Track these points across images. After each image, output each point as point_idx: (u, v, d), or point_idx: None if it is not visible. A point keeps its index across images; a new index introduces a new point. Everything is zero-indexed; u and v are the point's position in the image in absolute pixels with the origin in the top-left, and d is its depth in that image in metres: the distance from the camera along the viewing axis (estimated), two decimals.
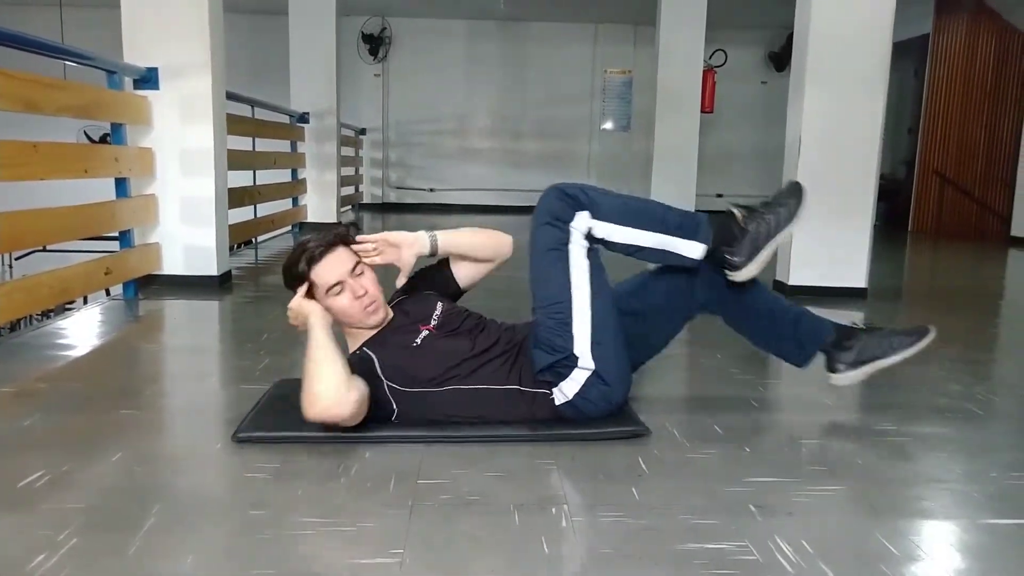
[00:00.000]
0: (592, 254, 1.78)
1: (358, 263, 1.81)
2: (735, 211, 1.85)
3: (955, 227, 8.29)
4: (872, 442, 1.85)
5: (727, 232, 1.82)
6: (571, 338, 1.74)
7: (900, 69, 8.48)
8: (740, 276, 1.83)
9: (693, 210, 1.91)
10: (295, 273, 1.79)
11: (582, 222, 1.74)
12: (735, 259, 1.82)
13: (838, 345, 1.96)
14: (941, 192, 8.36)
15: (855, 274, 3.87)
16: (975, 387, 2.26)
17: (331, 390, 1.59)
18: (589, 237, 1.76)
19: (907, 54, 8.42)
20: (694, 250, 1.81)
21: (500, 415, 1.76)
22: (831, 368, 1.96)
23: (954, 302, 4.20)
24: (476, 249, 1.97)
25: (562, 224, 1.74)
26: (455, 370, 1.76)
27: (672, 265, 1.86)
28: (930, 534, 1.38)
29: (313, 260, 1.77)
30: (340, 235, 1.83)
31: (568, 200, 1.75)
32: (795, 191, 1.87)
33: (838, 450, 1.81)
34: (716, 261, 1.84)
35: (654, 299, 1.93)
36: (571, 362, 1.75)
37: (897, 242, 7.57)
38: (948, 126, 8.29)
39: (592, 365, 1.74)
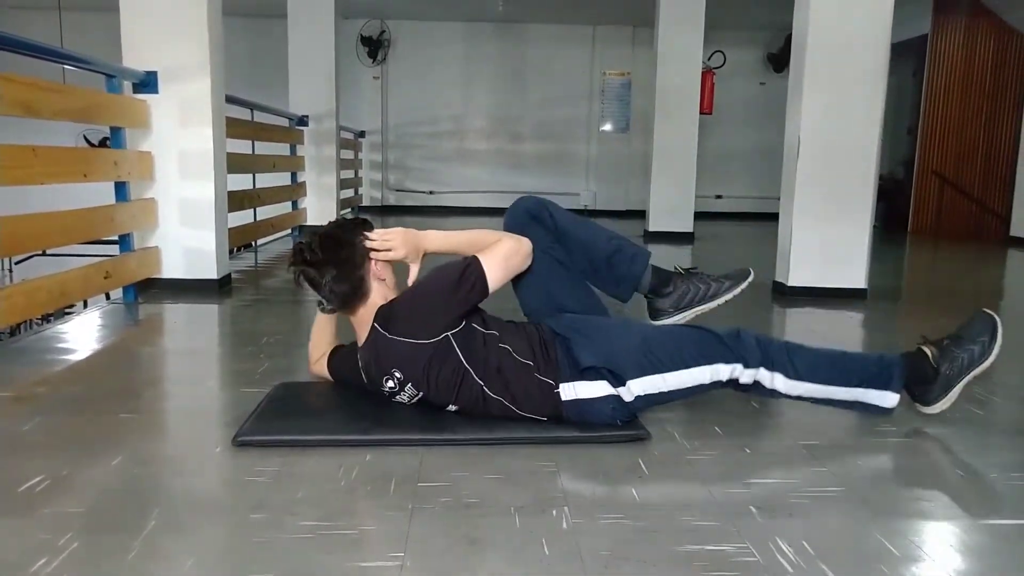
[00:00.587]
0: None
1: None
2: (925, 350, 1.86)
3: (954, 227, 8.29)
4: (871, 442, 1.85)
5: (919, 372, 1.85)
6: (641, 379, 1.74)
7: (899, 70, 8.48)
8: (930, 411, 1.89)
9: (879, 355, 1.90)
10: (357, 223, 1.91)
11: (764, 377, 1.77)
12: (927, 397, 1.87)
13: (657, 291, 2.06)
14: (940, 192, 8.37)
15: (855, 275, 3.88)
16: (974, 387, 2.26)
17: (512, 238, 1.85)
18: (757, 385, 1.79)
19: (906, 55, 8.43)
20: (888, 400, 1.83)
21: (517, 386, 1.76)
22: (653, 316, 2.06)
23: (954, 302, 4.20)
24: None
25: (738, 367, 1.76)
26: (495, 327, 1.83)
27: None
28: (930, 534, 1.38)
29: (368, 224, 1.92)
30: (367, 222, 1.93)
31: (758, 355, 1.76)
32: (989, 326, 1.87)
33: (838, 451, 1.81)
34: (905, 389, 1.88)
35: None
36: (614, 381, 1.75)
37: (897, 243, 7.58)
38: (947, 127, 8.30)
39: (627, 399, 1.76)
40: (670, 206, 7.03)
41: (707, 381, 1.77)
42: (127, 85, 3.55)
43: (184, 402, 2.14)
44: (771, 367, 1.77)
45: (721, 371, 1.76)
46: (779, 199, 4.09)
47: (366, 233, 1.87)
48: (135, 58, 3.57)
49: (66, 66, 3.87)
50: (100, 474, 1.56)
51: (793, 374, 1.78)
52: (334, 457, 1.63)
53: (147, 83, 3.56)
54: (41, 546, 1.24)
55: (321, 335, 2.10)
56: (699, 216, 7.28)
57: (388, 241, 1.86)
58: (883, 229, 8.37)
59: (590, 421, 1.78)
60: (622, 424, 1.79)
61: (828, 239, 3.86)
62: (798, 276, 3.89)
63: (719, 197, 10.20)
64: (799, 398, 1.82)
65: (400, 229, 1.89)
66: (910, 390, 1.89)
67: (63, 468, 1.56)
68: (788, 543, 1.30)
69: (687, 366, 1.75)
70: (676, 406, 2.05)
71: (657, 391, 1.76)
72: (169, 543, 1.27)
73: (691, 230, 7.03)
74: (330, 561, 1.22)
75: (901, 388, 1.84)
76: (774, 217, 4.15)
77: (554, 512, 1.40)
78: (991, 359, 1.85)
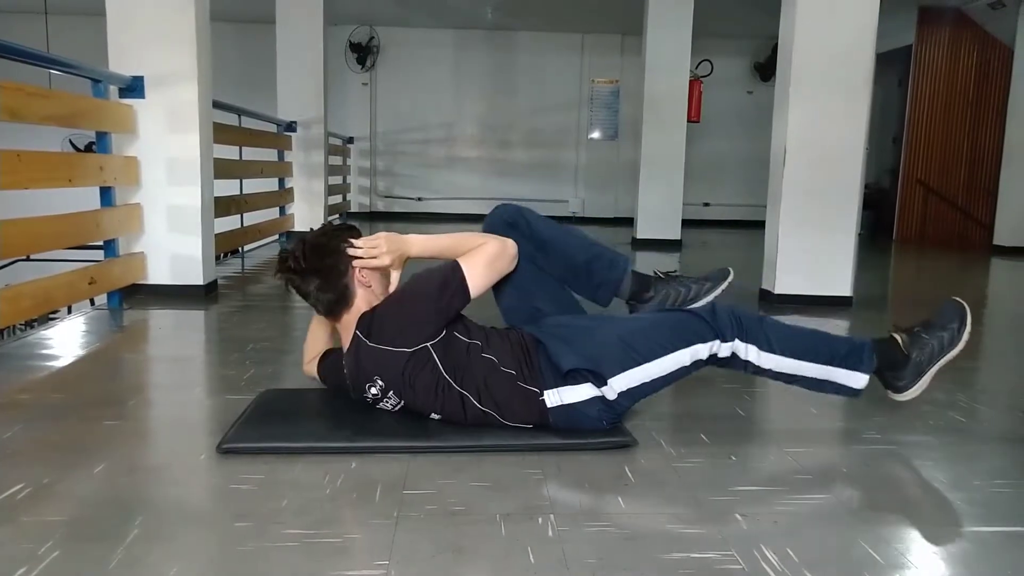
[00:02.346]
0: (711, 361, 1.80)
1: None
2: (896, 337, 1.88)
3: (939, 236, 8.37)
4: (856, 450, 1.86)
5: (890, 358, 1.86)
6: (622, 375, 1.74)
7: (884, 80, 8.58)
8: (901, 398, 1.89)
9: (849, 336, 1.92)
10: (344, 229, 1.90)
11: (739, 349, 1.77)
12: (898, 384, 1.87)
13: (638, 297, 2.07)
14: (925, 201, 8.45)
15: (840, 283, 3.90)
16: (958, 395, 2.28)
17: (496, 240, 1.85)
18: (734, 357, 1.79)
19: (891, 65, 8.52)
20: (857, 381, 1.83)
21: (501, 395, 1.76)
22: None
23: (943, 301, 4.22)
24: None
25: (715, 343, 1.76)
26: (479, 337, 1.82)
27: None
28: (915, 542, 1.39)
29: (353, 229, 1.91)
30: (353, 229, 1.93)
31: (734, 327, 1.76)
32: (958, 313, 1.88)
33: (823, 459, 1.82)
34: (877, 376, 1.89)
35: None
36: (596, 381, 1.75)
37: (882, 251, 7.64)
38: (931, 136, 8.39)
39: (611, 397, 1.76)
40: (658, 213, 7.06)
41: (688, 363, 1.76)
42: (113, 90, 3.54)
43: (169, 409, 2.13)
44: (745, 338, 1.77)
45: (700, 350, 1.76)
46: (765, 207, 4.11)
47: (351, 240, 1.86)
48: (122, 63, 3.55)
49: (52, 71, 3.85)
50: (82, 482, 1.54)
51: (767, 346, 1.78)
52: (320, 464, 1.62)
53: (133, 88, 3.54)
54: (22, 555, 1.23)
55: (316, 336, 2.10)
56: (687, 224, 7.32)
57: (373, 248, 1.85)
58: (868, 237, 8.44)
59: (577, 426, 1.78)
60: (609, 427, 1.79)
61: (814, 247, 3.88)
62: (784, 284, 3.91)
63: (707, 205, 10.25)
64: (771, 373, 1.81)
65: (384, 234, 1.89)
66: (882, 377, 1.89)
67: (45, 476, 1.55)
68: (773, 551, 1.30)
69: (666, 353, 1.75)
70: (663, 413, 2.06)
71: (639, 383, 1.75)
72: (152, 552, 1.26)
73: (679, 237, 7.07)
74: (315, 569, 1.22)
75: (871, 370, 1.83)
76: (761, 225, 4.17)
77: (540, 520, 1.40)
78: (961, 345, 1.85)
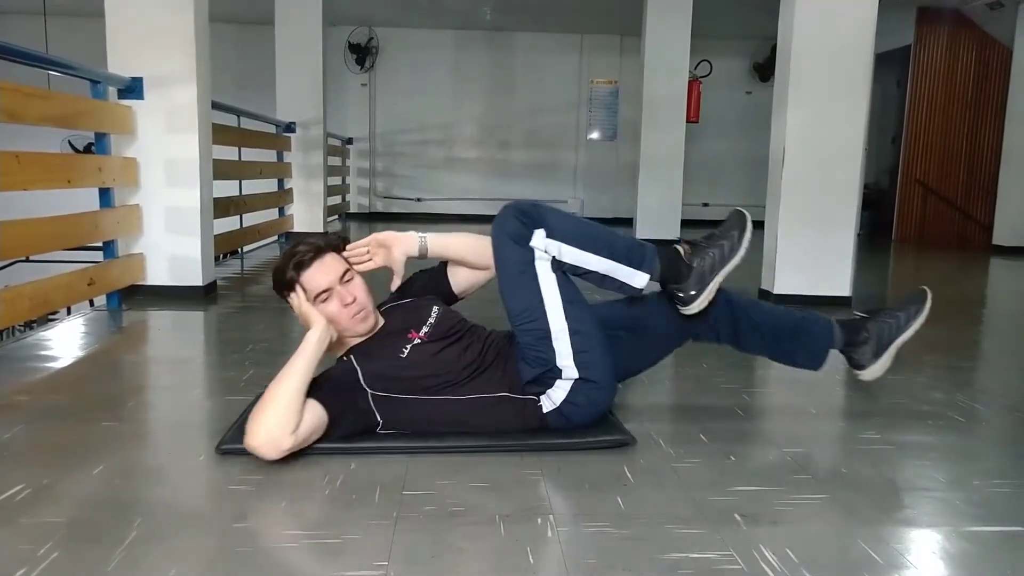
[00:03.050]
0: (556, 265, 1.77)
1: (347, 270, 1.80)
2: (679, 248, 1.86)
3: (938, 236, 8.37)
4: (856, 450, 1.86)
5: (674, 268, 1.83)
6: (552, 351, 1.75)
7: (883, 80, 8.57)
8: (689, 310, 1.84)
9: (641, 240, 1.89)
10: (284, 279, 1.78)
11: (539, 240, 1.74)
12: (682, 295, 1.83)
13: (852, 343, 1.97)
14: (924, 201, 8.45)
15: (839, 283, 3.90)
16: (957, 395, 2.28)
17: (276, 429, 1.56)
18: (545, 252, 1.76)
19: (889, 65, 8.52)
20: (638, 279, 1.81)
21: (490, 424, 1.76)
22: (857, 367, 1.97)
23: (937, 310, 4.22)
24: (465, 253, 1.94)
25: (523, 242, 1.74)
26: (446, 378, 1.75)
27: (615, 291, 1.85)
28: (913, 542, 1.39)
29: (302, 266, 1.76)
30: (330, 241, 1.83)
31: (524, 219, 1.75)
32: (739, 221, 1.86)
33: (822, 458, 1.82)
34: (667, 295, 1.87)
35: (655, 321, 1.93)
36: (555, 373, 1.76)
37: (881, 251, 7.64)
38: (930, 136, 8.39)
39: (576, 374, 1.75)
40: (657, 214, 7.07)
41: (545, 268, 1.75)
42: (112, 91, 3.54)
43: (168, 410, 2.13)
44: (533, 225, 1.74)
45: (537, 250, 1.74)
46: (765, 207, 4.11)
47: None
48: (121, 64, 3.55)
49: (51, 71, 3.85)
50: (82, 483, 1.54)
51: (549, 232, 1.74)
52: (319, 465, 1.62)
53: (132, 89, 3.54)
54: (21, 556, 1.23)
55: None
56: (686, 224, 7.32)
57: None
58: (867, 237, 8.44)
59: (577, 422, 1.78)
60: (610, 410, 1.82)
61: (813, 247, 3.89)
62: (783, 284, 3.91)
63: (706, 205, 10.24)
64: (564, 265, 1.78)
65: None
66: (667, 289, 1.86)
67: (44, 477, 1.55)
68: (772, 551, 1.30)
69: (519, 280, 1.75)
70: (662, 414, 2.06)
71: (562, 333, 1.74)
72: (151, 553, 1.26)
73: (678, 237, 7.07)
74: (314, 570, 1.22)
75: (652, 271, 1.81)
76: (760, 225, 4.16)
77: (539, 520, 1.40)
78: (741, 252, 1.83)
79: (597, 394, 1.78)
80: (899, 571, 1.26)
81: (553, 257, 1.76)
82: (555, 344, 1.74)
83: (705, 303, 1.83)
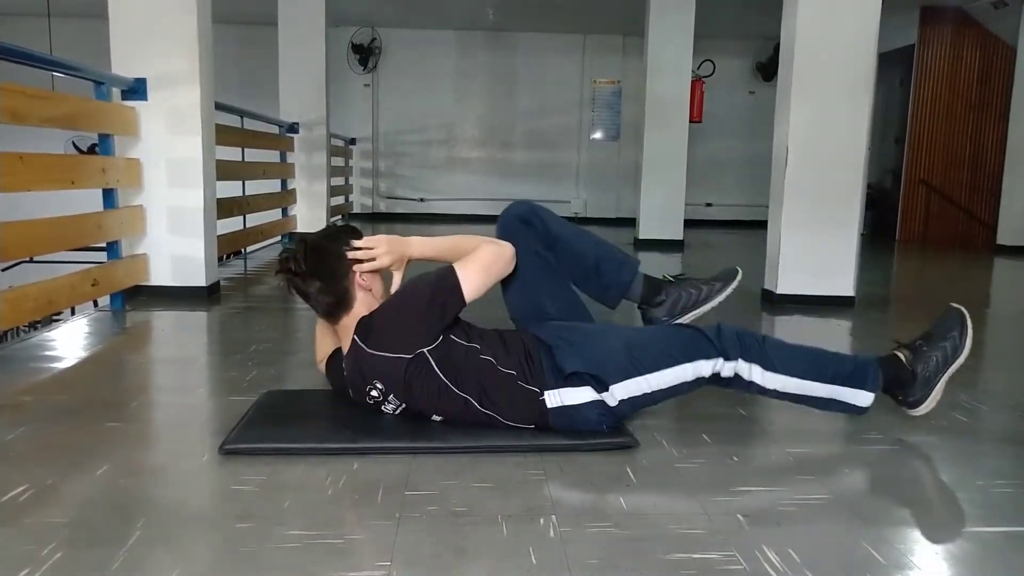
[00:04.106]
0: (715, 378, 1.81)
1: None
2: (899, 355, 1.88)
3: (942, 236, 8.36)
4: (858, 450, 1.86)
5: (898, 379, 1.87)
6: (624, 382, 1.75)
7: (886, 79, 8.56)
8: (916, 413, 1.90)
9: (854, 355, 1.94)
10: (349, 232, 1.90)
11: (743, 369, 1.78)
12: (911, 400, 1.88)
13: (649, 301, 2.08)
14: (928, 201, 8.43)
15: (843, 283, 3.90)
16: (960, 394, 2.28)
17: (492, 244, 1.85)
18: (737, 378, 1.79)
19: (893, 64, 8.50)
20: (863, 399, 1.84)
21: (493, 396, 1.76)
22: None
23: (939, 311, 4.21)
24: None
25: (719, 360, 1.76)
26: (477, 339, 1.82)
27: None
28: (917, 543, 1.39)
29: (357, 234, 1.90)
30: (355, 230, 1.93)
31: (738, 347, 1.77)
32: (958, 321, 1.89)
33: (825, 459, 1.82)
34: (891, 397, 1.91)
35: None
36: (598, 386, 1.75)
37: (884, 251, 7.63)
38: (934, 136, 8.37)
39: (611, 404, 1.76)
40: (660, 214, 7.06)
41: (690, 379, 1.77)
42: (116, 92, 3.54)
43: (171, 411, 2.13)
44: (749, 359, 1.77)
45: (703, 367, 1.77)
46: (768, 207, 4.11)
47: (353, 242, 1.87)
48: (124, 65, 3.56)
49: (55, 73, 3.86)
50: (85, 484, 1.54)
51: (770, 366, 1.78)
52: (322, 465, 1.63)
53: (136, 90, 3.55)
54: (24, 557, 1.23)
55: (323, 335, 2.08)
56: (689, 224, 7.32)
57: (373, 250, 1.86)
58: (871, 237, 8.42)
59: (577, 428, 1.78)
60: (609, 430, 1.79)
61: (816, 247, 3.88)
62: (787, 284, 3.90)
63: (709, 205, 10.24)
64: (776, 393, 1.81)
65: (384, 236, 1.89)
66: (892, 395, 1.90)
67: (47, 478, 1.55)
68: (775, 551, 1.30)
69: (668, 366, 1.76)
70: (664, 414, 2.05)
71: (640, 393, 1.76)
72: (154, 553, 1.26)
73: (681, 238, 7.06)
74: (317, 570, 1.22)
75: (876, 388, 1.84)
76: (763, 225, 4.17)
77: (542, 521, 1.40)
78: (965, 352, 1.86)
79: (606, 419, 1.79)
80: (902, 571, 1.26)
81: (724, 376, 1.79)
82: (633, 382, 1.75)
83: (933, 405, 1.88)
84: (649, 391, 1.76)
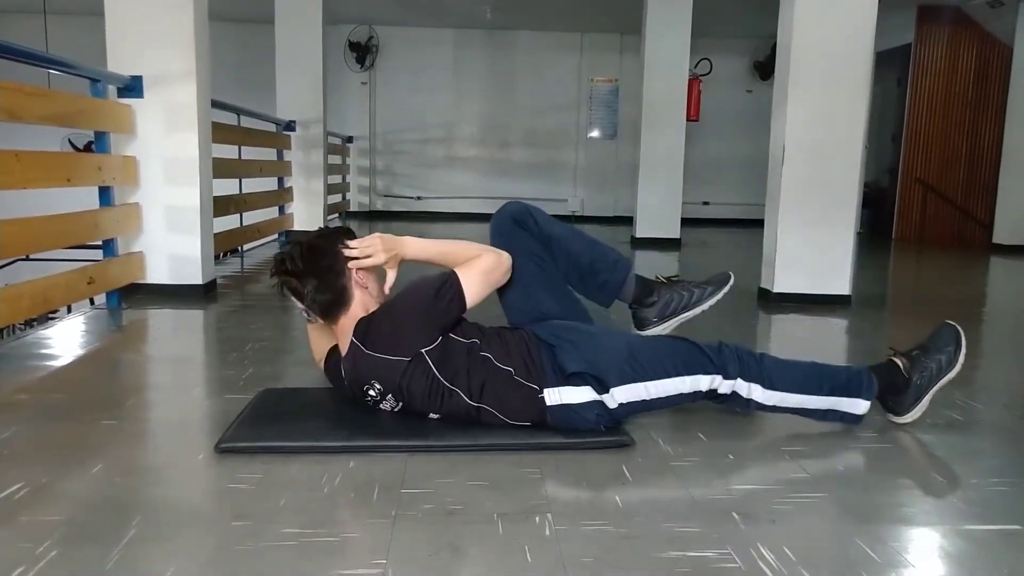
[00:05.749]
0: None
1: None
2: (896, 361, 1.92)
3: (938, 234, 8.37)
4: (853, 449, 1.86)
5: (892, 384, 1.91)
6: (625, 387, 1.75)
7: (883, 78, 8.57)
8: (901, 420, 1.93)
9: (846, 366, 1.98)
10: (343, 233, 1.90)
11: (741, 387, 1.80)
12: (899, 408, 1.92)
13: (641, 301, 2.11)
14: (924, 200, 8.44)
15: (839, 282, 3.90)
16: (956, 393, 2.28)
17: (492, 252, 1.88)
18: (734, 396, 1.82)
19: (890, 63, 8.51)
20: (860, 407, 1.87)
21: (492, 393, 1.76)
22: (639, 326, 2.10)
23: (937, 309, 4.23)
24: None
25: (717, 377, 1.79)
26: (476, 335, 1.83)
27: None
28: (911, 541, 1.39)
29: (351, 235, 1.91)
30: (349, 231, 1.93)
31: (737, 366, 1.79)
32: (953, 336, 1.93)
33: (820, 457, 1.82)
34: (880, 403, 1.95)
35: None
36: (598, 387, 1.76)
37: (881, 249, 7.64)
38: (931, 135, 8.38)
39: (611, 406, 1.77)
40: (657, 212, 7.06)
41: (687, 391, 1.79)
42: (112, 90, 3.54)
43: (167, 409, 2.13)
44: (749, 378, 1.80)
45: (701, 382, 1.79)
46: (764, 206, 4.11)
47: (346, 241, 1.87)
48: (120, 63, 3.55)
49: (51, 70, 3.85)
50: (80, 482, 1.54)
51: (769, 384, 1.81)
52: (317, 464, 1.62)
53: (132, 88, 3.54)
54: (19, 555, 1.23)
55: (318, 336, 2.08)
56: (686, 222, 7.32)
57: (367, 248, 1.85)
58: (867, 236, 8.44)
59: (574, 427, 1.78)
60: (606, 430, 1.80)
61: (813, 246, 3.88)
62: (783, 283, 3.91)
63: (706, 203, 10.25)
64: (774, 408, 1.85)
65: (378, 235, 1.89)
66: (883, 401, 1.94)
67: (43, 476, 1.55)
68: (770, 549, 1.30)
69: (669, 376, 1.77)
70: (660, 412, 2.05)
71: (639, 399, 1.77)
72: (149, 552, 1.26)
73: (678, 236, 7.07)
74: (312, 569, 1.22)
75: (871, 396, 1.88)
76: (760, 224, 4.17)
77: (537, 519, 1.40)
78: (957, 368, 1.91)
79: (604, 420, 1.79)
80: (897, 570, 1.26)
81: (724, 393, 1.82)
82: (636, 387, 1.76)
83: (919, 415, 1.92)
84: (648, 398, 1.78)
